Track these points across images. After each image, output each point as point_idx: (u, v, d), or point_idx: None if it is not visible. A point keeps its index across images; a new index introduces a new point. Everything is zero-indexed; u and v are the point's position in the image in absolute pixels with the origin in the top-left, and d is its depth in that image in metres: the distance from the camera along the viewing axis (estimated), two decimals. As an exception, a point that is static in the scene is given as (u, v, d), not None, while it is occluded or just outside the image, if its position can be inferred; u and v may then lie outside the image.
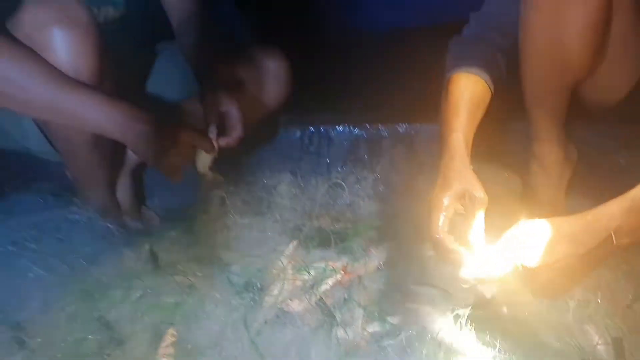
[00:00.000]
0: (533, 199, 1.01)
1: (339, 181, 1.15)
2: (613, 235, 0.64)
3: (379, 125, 1.21)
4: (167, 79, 1.21)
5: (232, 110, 1.01)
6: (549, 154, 0.97)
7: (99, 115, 0.85)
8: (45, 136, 1.04)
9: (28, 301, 0.81)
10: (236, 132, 1.01)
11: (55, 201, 1.04)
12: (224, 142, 1.01)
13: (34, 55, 0.83)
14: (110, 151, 1.06)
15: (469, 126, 0.87)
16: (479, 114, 0.90)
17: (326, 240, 1.00)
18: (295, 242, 1.00)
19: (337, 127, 1.24)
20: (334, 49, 1.67)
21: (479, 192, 0.80)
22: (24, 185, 1.08)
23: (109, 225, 1.03)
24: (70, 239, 0.94)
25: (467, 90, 0.89)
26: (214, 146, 0.99)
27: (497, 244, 0.71)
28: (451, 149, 0.84)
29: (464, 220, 0.80)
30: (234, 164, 1.21)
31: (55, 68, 0.84)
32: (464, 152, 0.83)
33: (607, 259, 0.69)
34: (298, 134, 1.26)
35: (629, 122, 0.98)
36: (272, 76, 1.18)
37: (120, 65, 1.06)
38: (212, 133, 1.00)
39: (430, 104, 1.07)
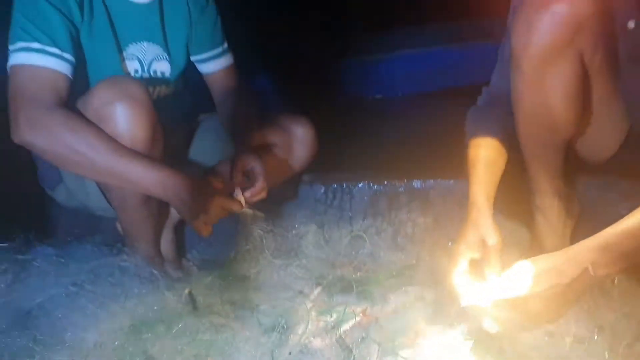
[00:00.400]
0: (539, 248, 1.08)
1: (360, 233, 1.24)
2: (590, 267, 0.72)
3: (396, 181, 1.32)
4: (207, 145, 1.36)
5: (255, 166, 1.12)
6: (551, 206, 1.05)
7: (147, 179, 1.00)
8: (104, 195, 1.19)
9: (85, 334, 0.92)
10: (258, 183, 1.11)
11: (109, 251, 1.17)
12: (248, 194, 1.11)
13: (96, 129, 0.99)
14: (157, 209, 1.20)
15: (488, 181, 0.97)
16: (497, 170, 0.99)
17: (348, 287, 1.09)
18: (319, 288, 1.09)
19: (358, 183, 1.35)
20: (354, 113, 1.81)
21: (492, 239, 0.89)
22: (84, 236, 1.22)
23: (154, 271, 1.15)
24: (121, 282, 1.06)
25: (483, 151, 1.00)
26: (241, 206, 1.09)
27: (496, 280, 0.80)
28: (470, 203, 0.94)
29: (480, 265, 0.89)
30: (266, 217, 1.33)
31: (114, 139, 1.00)
32: (482, 203, 0.93)
33: (590, 289, 0.76)
34: (322, 189, 1.38)
35: (628, 176, 1.06)
36: (299, 141, 1.32)
37: (168, 134, 1.23)
38: (238, 194, 1.10)
39: (442, 162, 1.18)
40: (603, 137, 1.02)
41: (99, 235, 1.29)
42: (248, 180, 1.14)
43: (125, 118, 1.02)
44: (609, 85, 0.96)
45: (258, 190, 1.12)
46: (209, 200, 1.04)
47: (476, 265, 0.90)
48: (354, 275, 1.15)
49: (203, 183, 1.06)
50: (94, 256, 1.14)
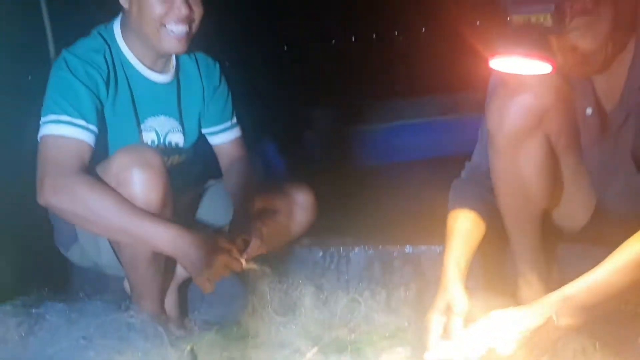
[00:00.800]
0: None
1: (355, 296, 1.30)
2: (554, 317, 0.81)
3: (390, 246, 1.40)
4: (214, 208, 1.45)
5: (251, 231, 1.21)
6: (531, 271, 1.13)
7: (157, 236, 1.10)
8: (115, 254, 1.27)
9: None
10: (253, 243, 1.19)
11: (117, 308, 1.24)
12: (246, 255, 1.19)
13: (113, 192, 1.10)
14: (163, 268, 1.28)
15: (461, 251, 1.05)
16: (472, 241, 1.08)
17: (343, 347, 1.14)
18: (315, 348, 1.14)
19: (354, 248, 1.43)
20: (350, 182, 1.92)
21: (457, 306, 0.96)
22: (94, 293, 1.29)
23: (159, 328, 1.20)
24: (127, 337, 1.11)
25: (459, 223, 1.09)
26: (241, 265, 1.17)
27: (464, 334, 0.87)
28: (442, 271, 1.03)
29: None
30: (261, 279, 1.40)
31: (128, 202, 1.10)
32: (452, 271, 1.01)
33: (557, 339, 0.84)
34: (321, 253, 1.45)
35: (601, 244, 1.14)
36: (300, 206, 1.42)
37: (178, 197, 1.33)
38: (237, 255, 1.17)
39: (433, 229, 1.27)
40: (574, 208, 1.12)
41: (108, 293, 1.35)
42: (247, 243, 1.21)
43: (141, 182, 1.12)
44: (575, 163, 1.08)
45: (253, 249, 1.19)
46: (212, 258, 1.12)
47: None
48: (348, 337, 1.20)
49: (208, 241, 1.15)
50: (103, 312, 1.20)
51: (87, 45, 1.24)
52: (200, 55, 1.40)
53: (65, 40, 1.28)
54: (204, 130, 1.44)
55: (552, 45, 0.90)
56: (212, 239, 1.16)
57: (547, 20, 0.82)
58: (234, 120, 1.45)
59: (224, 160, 1.46)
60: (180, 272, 1.40)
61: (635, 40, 0.94)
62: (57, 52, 1.26)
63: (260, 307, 1.28)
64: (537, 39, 0.86)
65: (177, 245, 1.11)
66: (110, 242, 1.27)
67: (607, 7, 0.86)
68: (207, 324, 1.37)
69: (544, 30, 0.84)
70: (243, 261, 1.17)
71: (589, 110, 1.02)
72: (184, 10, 1.18)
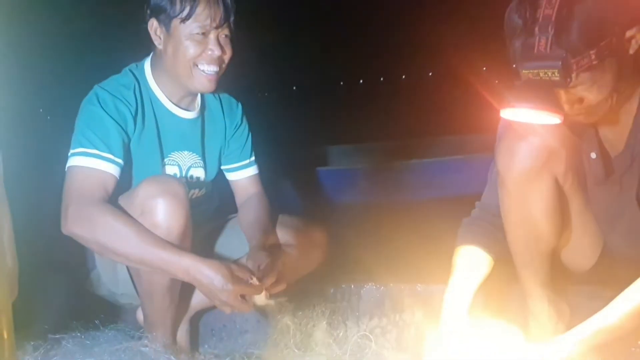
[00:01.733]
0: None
1: (366, 333, 1.31)
2: (567, 357, 0.82)
3: (401, 285, 1.41)
4: (231, 241, 1.48)
5: (267, 262, 1.23)
6: (541, 311, 1.14)
7: (174, 265, 1.13)
8: (133, 283, 1.30)
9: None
10: (270, 276, 1.20)
11: (130, 337, 1.26)
12: (265, 290, 1.20)
13: (132, 221, 1.14)
14: (177, 299, 1.30)
15: (465, 287, 1.10)
16: (477, 277, 1.12)
17: (353, 384, 1.14)
18: (325, 384, 1.14)
19: (365, 285, 1.45)
20: (362, 219, 1.96)
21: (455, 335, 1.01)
22: (108, 322, 1.31)
23: (171, 358, 1.21)
24: (140, 365, 1.13)
25: (465, 259, 1.14)
26: (260, 289, 1.18)
27: None
28: (443, 306, 1.07)
29: None
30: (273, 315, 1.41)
31: (147, 230, 1.14)
32: (450, 306, 1.08)
33: None
34: (332, 289, 1.47)
35: (610, 285, 1.16)
36: (312, 243, 1.45)
37: (197, 229, 1.37)
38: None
39: (444, 268, 1.29)
40: (582, 249, 1.15)
41: (122, 323, 1.37)
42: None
43: (165, 211, 1.16)
44: (582, 204, 1.11)
45: (271, 282, 1.21)
46: (229, 284, 1.14)
47: None
48: (359, 374, 1.20)
49: (224, 268, 1.16)
50: (117, 340, 1.22)
51: (118, 82, 1.31)
52: (224, 96, 1.47)
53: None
54: (223, 167, 1.49)
55: (560, 96, 0.95)
56: (228, 266, 1.18)
57: (555, 75, 0.87)
58: (253, 158, 1.51)
59: (240, 196, 1.50)
60: (194, 305, 1.42)
61: None
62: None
63: (271, 343, 1.29)
64: (545, 92, 0.90)
65: (191, 273, 1.14)
66: (128, 271, 1.30)
67: (612, 62, 0.90)
68: (217, 357, 1.37)
69: (551, 84, 0.89)
70: (264, 293, 1.19)
71: (593, 155, 1.07)
72: (216, 52, 1.26)
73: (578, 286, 1.25)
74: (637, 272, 0.97)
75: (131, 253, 1.15)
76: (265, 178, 1.54)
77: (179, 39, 1.25)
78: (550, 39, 0.87)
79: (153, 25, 1.28)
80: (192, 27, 1.24)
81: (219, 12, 1.25)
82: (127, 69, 1.35)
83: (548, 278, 1.14)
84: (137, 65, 1.36)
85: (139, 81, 1.33)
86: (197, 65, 1.27)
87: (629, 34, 0.90)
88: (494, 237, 1.16)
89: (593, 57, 0.87)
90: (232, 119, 1.47)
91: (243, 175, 1.50)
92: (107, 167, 1.22)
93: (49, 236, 1.34)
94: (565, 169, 1.06)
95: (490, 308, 1.31)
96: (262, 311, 1.27)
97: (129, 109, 1.28)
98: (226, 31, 1.28)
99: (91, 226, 1.15)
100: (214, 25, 1.25)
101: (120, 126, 1.26)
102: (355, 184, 2.47)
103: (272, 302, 1.21)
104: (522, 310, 1.20)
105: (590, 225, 1.13)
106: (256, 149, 1.52)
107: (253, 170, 1.50)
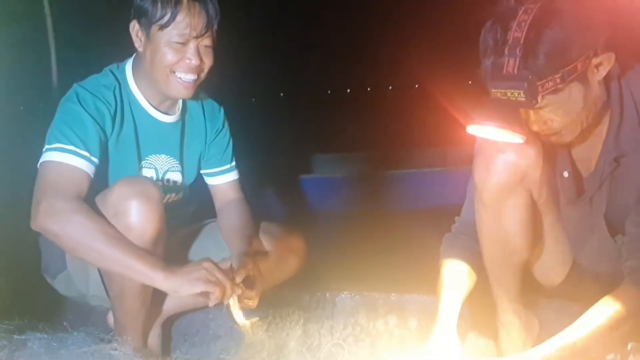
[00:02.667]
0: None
1: (339, 342, 1.31)
2: None
3: (375, 294, 1.42)
4: (207, 247, 1.46)
5: (255, 275, 1.22)
6: (512, 323, 1.16)
7: (145, 268, 1.10)
8: (104, 285, 1.28)
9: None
10: (254, 290, 1.21)
11: (99, 339, 1.23)
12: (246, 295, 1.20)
13: (102, 219, 1.12)
14: (150, 302, 1.28)
15: (453, 299, 1.11)
16: (464, 288, 1.14)
17: (324, 393, 1.14)
18: (297, 392, 1.14)
19: (340, 293, 1.45)
20: (338, 227, 1.97)
21: (452, 352, 1.01)
22: (77, 324, 1.28)
23: (140, 361, 1.19)
24: (110, 368, 1.11)
25: (451, 272, 1.15)
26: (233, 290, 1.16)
27: None
28: (437, 320, 1.09)
29: None
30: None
31: (120, 233, 1.12)
32: (448, 321, 1.08)
33: None
34: (307, 297, 1.47)
35: (577, 300, 1.19)
36: (291, 250, 1.44)
37: (172, 234, 1.35)
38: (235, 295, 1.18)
39: (418, 278, 1.30)
40: (553, 264, 1.17)
41: (91, 325, 1.34)
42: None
43: (138, 213, 1.15)
44: (554, 220, 1.14)
45: (253, 296, 1.21)
46: (200, 264, 1.13)
47: None
48: (330, 382, 1.20)
49: (196, 269, 1.13)
50: (85, 343, 1.19)
51: (98, 81, 1.29)
52: (206, 100, 1.46)
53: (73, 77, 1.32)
54: (203, 171, 1.48)
55: (530, 117, 0.97)
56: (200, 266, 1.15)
57: (521, 96, 0.90)
58: (233, 163, 1.50)
59: (220, 201, 1.49)
60: (167, 309, 1.41)
61: (610, 114, 1.01)
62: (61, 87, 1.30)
63: (243, 349, 1.28)
64: (510, 112, 0.93)
65: (161, 280, 1.11)
66: (100, 273, 1.28)
67: (578, 86, 0.93)
68: (187, 363, 1.36)
69: (517, 104, 0.91)
70: (242, 313, 1.19)
71: (565, 173, 1.09)
72: (194, 61, 1.24)
73: (548, 300, 1.27)
74: (603, 289, 0.99)
75: (101, 254, 1.13)
76: (248, 184, 1.54)
77: (157, 45, 1.24)
78: (517, 60, 0.89)
79: (135, 27, 1.27)
80: (171, 34, 1.22)
81: (201, 22, 1.23)
82: (107, 69, 1.34)
83: (519, 292, 1.16)
84: (118, 66, 1.35)
85: (120, 82, 1.31)
86: (174, 73, 1.26)
87: (595, 61, 0.93)
88: (477, 251, 1.18)
89: (558, 80, 0.89)
90: (213, 124, 1.46)
91: (223, 180, 1.48)
92: (83, 164, 1.20)
93: (17, 234, 1.31)
94: (540, 186, 1.08)
95: (462, 320, 1.33)
96: (230, 319, 1.25)
97: (109, 109, 1.27)
98: (207, 41, 1.26)
99: (63, 222, 1.12)
100: (194, 34, 1.23)
101: (99, 125, 1.25)
102: (335, 192, 2.48)
103: (247, 322, 1.21)
104: (493, 322, 1.21)
105: (561, 242, 1.16)
106: (240, 154, 1.51)
107: (233, 176, 1.49)
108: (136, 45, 1.28)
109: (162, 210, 1.19)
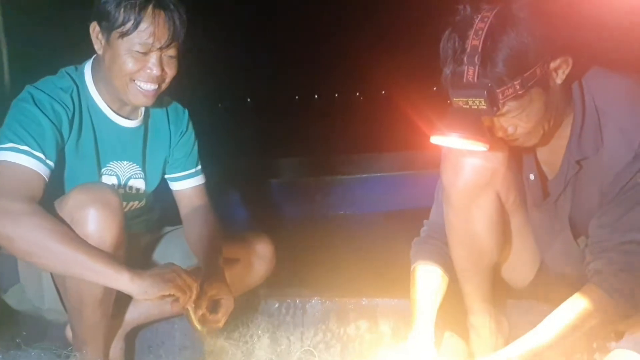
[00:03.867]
0: (473, 361, 1.18)
1: (310, 349, 1.29)
2: None
3: (346, 299, 1.40)
4: (169, 255, 1.42)
5: (224, 298, 1.18)
6: (483, 325, 1.16)
7: (109, 269, 1.04)
8: (60, 297, 1.21)
9: None
10: (220, 315, 1.18)
11: (57, 355, 1.16)
12: (212, 319, 1.17)
13: (64, 224, 1.06)
14: (109, 314, 1.22)
15: (429, 303, 1.12)
16: (439, 292, 1.15)
17: (295, 401, 1.11)
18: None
19: (310, 299, 1.42)
20: (308, 233, 1.95)
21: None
22: (32, 340, 1.21)
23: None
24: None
25: (424, 276, 1.15)
26: (192, 287, 1.11)
27: None
28: (415, 326, 1.10)
29: None
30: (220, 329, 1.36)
31: (78, 235, 1.06)
32: (425, 327, 1.10)
33: None
34: (277, 304, 1.43)
35: (545, 300, 1.20)
36: (259, 256, 1.42)
37: (135, 242, 1.30)
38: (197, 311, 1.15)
39: (388, 283, 1.29)
40: (521, 265, 1.19)
41: (48, 341, 1.27)
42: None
43: (96, 221, 1.09)
44: (522, 222, 1.15)
45: (217, 320, 1.18)
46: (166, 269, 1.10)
47: None
48: (301, 390, 1.17)
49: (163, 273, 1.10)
50: (40, 359, 1.13)
51: (54, 84, 1.23)
52: (170, 103, 1.41)
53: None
54: (167, 176, 1.43)
55: (494, 123, 0.98)
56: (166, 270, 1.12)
57: (482, 104, 0.90)
58: (199, 167, 1.45)
59: (185, 206, 1.43)
60: (129, 320, 1.35)
61: (573, 117, 1.02)
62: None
63: (212, 359, 1.24)
64: (472, 121, 0.93)
65: (135, 286, 1.06)
66: (55, 284, 1.21)
67: (538, 92, 0.93)
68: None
69: (479, 112, 0.92)
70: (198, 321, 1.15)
71: (531, 177, 1.11)
72: (155, 72, 1.18)
73: (516, 301, 1.28)
74: (570, 289, 1.00)
75: (60, 255, 1.05)
76: (213, 189, 1.50)
77: (117, 52, 1.18)
78: (477, 69, 0.89)
79: (95, 29, 1.20)
80: (132, 42, 1.16)
81: (166, 33, 1.17)
82: (64, 71, 1.27)
83: (489, 294, 1.16)
84: (76, 69, 1.28)
85: (78, 85, 1.25)
86: (134, 81, 1.20)
87: (553, 65, 0.93)
88: (447, 254, 1.18)
89: (518, 87, 0.90)
90: (177, 127, 1.41)
91: (188, 185, 1.43)
92: (38, 166, 1.13)
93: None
94: (507, 188, 1.09)
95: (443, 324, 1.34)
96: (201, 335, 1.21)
97: (66, 113, 1.20)
98: (171, 52, 1.20)
99: (17, 224, 1.05)
100: (157, 45, 1.17)
101: (56, 128, 1.18)
102: (303, 196, 2.47)
103: (204, 329, 1.17)
104: (464, 324, 1.21)
105: (528, 244, 1.17)
106: (207, 159, 1.47)
107: (198, 180, 1.44)
108: (96, 47, 1.22)
109: (121, 218, 1.14)
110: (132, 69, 1.18)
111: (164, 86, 1.24)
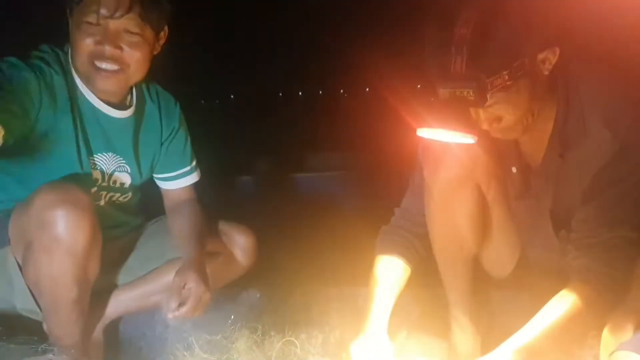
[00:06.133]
0: (455, 354, 1.19)
1: (291, 339, 1.29)
2: None
3: (328, 288, 1.41)
4: (150, 248, 1.39)
5: (192, 287, 1.15)
6: (464, 315, 1.17)
7: None
8: (33, 296, 1.16)
9: None
10: (186, 306, 1.14)
11: (34, 349, 1.14)
12: (178, 312, 1.14)
13: None
14: (86, 310, 1.19)
15: (385, 298, 1.12)
16: (397, 285, 1.15)
17: (276, 390, 1.11)
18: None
19: (292, 289, 1.43)
20: (287, 223, 1.95)
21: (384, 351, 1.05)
22: (6, 334, 1.18)
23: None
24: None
25: (384, 268, 1.15)
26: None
27: None
28: (369, 317, 1.11)
29: None
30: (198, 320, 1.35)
31: None
32: (380, 319, 1.10)
33: None
34: (258, 295, 1.43)
35: (524, 290, 1.22)
36: (241, 248, 1.40)
37: (112, 236, 1.26)
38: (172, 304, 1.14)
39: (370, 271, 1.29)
40: (501, 256, 1.20)
41: (23, 334, 1.24)
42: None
43: (66, 222, 1.05)
44: (503, 214, 1.15)
45: (185, 312, 1.15)
46: None
47: None
48: (283, 380, 1.17)
49: None
50: (15, 356, 1.10)
51: (41, 55, 1.16)
52: (163, 93, 1.36)
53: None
54: (157, 175, 1.38)
55: (478, 114, 0.97)
56: None
57: (470, 94, 0.88)
58: (192, 164, 1.40)
59: (171, 202, 1.40)
60: (109, 313, 1.32)
61: (555, 111, 1.01)
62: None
63: (192, 350, 1.23)
64: (460, 113, 0.92)
65: None
66: (27, 285, 1.16)
67: (526, 82, 0.92)
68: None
69: (467, 103, 0.90)
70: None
71: (514, 169, 1.10)
72: (107, 47, 1.12)
73: (497, 291, 1.30)
74: (549, 280, 1.01)
75: None
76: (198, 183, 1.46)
77: (75, 27, 1.12)
78: (465, 58, 0.87)
79: (67, 10, 1.15)
80: (84, 12, 1.09)
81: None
82: (46, 46, 1.19)
83: (469, 283, 1.17)
84: (64, 49, 1.20)
85: (64, 68, 1.18)
86: (94, 62, 1.14)
87: (541, 56, 0.92)
88: (413, 246, 1.19)
89: (506, 77, 0.88)
90: (168, 122, 1.35)
91: (178, 185, 1.39)
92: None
93: None
94: (488, 179, 1.09)
95: (415, 313, 1.35)
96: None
97: (54, 83, 1.14)
98: (131, 26, 1.12)
99: None
100: (107, 14, 1.08)
101: (43, 82, 1.10)
102: (288, 191, 2.47)
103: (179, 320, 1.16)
104: (445, 314, 1.22)
105: (509, 235, 1.17)
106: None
107: (191, 179, 1.40)
108: (70, 28, 1.16)
109: (93, 217, 1.09)
110: (87, 45, 1.11)
111: (130, 72, 1.17)
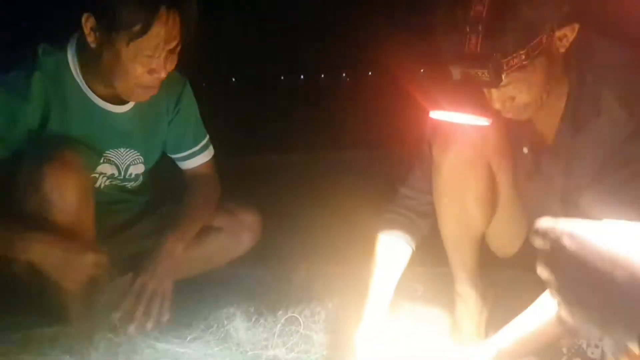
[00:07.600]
0: (459, 332, 1.18)
1: (295, 315, 1.29)
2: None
3: (332, 266, 1.40)
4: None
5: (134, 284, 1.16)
6: (469, 294, 1.16)
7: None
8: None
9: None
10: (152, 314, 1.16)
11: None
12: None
13: None
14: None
15: (387, 274, 1.12)
16: (398, 264, 1.15)
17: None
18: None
19: (295, 267, 1.43)
20: (291, 201, 1.95)
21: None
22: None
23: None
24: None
25: (385, 249, 1.15)
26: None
27: None
28: (371, 299, 1.10)
29: None
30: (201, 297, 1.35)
31: None
32: (379, 300, 1.10)
33: None
34: (262, 271, 1.43)
35: (530, 270, 1.21)
36: (245, 226, 1.40)
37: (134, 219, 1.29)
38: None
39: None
40: (508, 235, 1.19)
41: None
42: None
43: (54, 180, 1.05)
44: (512, 194, 1.14)
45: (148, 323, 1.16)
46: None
47: None
48: (286, 356, 1.17)
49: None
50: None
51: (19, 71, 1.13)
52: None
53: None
54: (173, 156, 1.39)
55: (492, 94, 0.94)
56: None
57: (485, 75, 0.85)
58: (205, 141, 1.40)
59: (189, 177, 1.41)
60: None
61: (568, 90, 0.98)
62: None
63: (194, 326, 1.23)
64: (474, 94, 0.89)
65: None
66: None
67: (542, 61, 0.89)
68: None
69: (482, 84, 0.87)
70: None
71: (525, 150, 1.08)
72: (163, 74, 1.12)
73: (502, 270, 1.29)
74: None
75: None
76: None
77: (120, 55, 1.07)
78: (480, 38, 0.83)
79: (89, 21, 1.08)
80: (139, 48, 1.06)
81: (177, 35, 1.08)
82: (47, 47, 1.17)
83: (476, 263, 1.16)
84: (55, 51, 1.17)
85: (62, 71, 1.16)
86: (140, 84, 1.13)
87: (559, 33, 0.89)
88: (416, 226, 1.17)
89: (523, 57, 0.85)
90: (172, 101, 1.33)
91: (195, 163, 1.39)
92: None
93: None
94: (499, 159, 1.08)
95: (418, 291, 1.35)
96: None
97: (58, 91, 1.15)
98: (174, 46, 1.11)
99: None
100: (168, 48, 1.08)
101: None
102: (290, 168, 2.46)
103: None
104: (450, 292, 1.22)
105: (517, 215, 1.16)
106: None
107: (205, 157, 1.40)
108: (89, 40, 1.10)
109: (85, 180, 1.10)
110: (139, 74, 1.09)
111: (164, 78, 1.16)
